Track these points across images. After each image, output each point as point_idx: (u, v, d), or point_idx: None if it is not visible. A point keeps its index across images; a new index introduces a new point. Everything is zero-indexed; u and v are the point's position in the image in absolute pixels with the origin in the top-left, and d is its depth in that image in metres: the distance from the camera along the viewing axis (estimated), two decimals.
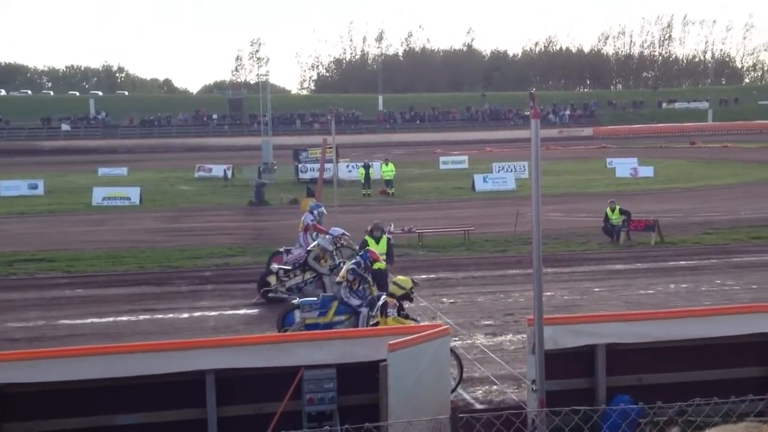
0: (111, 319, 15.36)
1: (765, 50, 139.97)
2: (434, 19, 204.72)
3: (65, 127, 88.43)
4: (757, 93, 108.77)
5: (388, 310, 10.75)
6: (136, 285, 18.49)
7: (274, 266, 16.83)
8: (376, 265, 13.30)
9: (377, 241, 15.79)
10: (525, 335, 10.35)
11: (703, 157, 57.62)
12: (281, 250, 18.32)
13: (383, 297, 11.14)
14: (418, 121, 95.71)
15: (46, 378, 8.16)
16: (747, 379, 9.40)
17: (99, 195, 36.74)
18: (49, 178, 46.41)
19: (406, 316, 11.56)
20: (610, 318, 10.45)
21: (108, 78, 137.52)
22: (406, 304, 12.01)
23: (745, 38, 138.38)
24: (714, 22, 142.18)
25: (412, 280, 11.57)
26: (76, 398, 8.29)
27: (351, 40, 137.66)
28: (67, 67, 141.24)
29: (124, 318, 15.41)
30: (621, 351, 9.44)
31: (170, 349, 8.85)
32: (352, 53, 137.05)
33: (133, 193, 37.11)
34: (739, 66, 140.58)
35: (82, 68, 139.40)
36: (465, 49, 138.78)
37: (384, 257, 15.24)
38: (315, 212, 18.72)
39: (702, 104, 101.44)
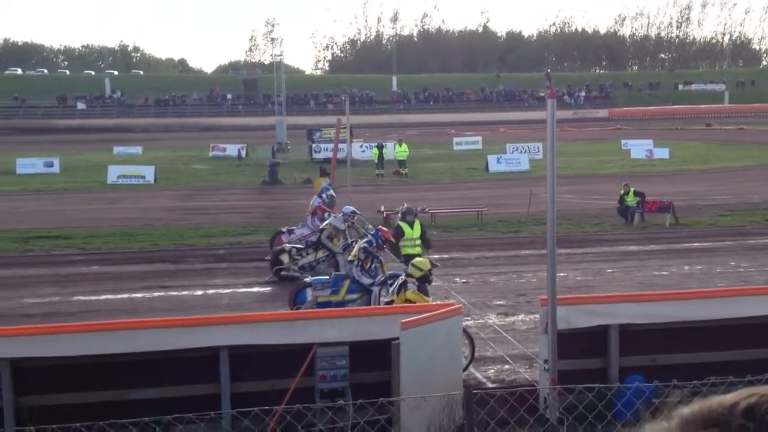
0: (126, 295, 15.48)
1: None
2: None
3: (81, 105, 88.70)
4: None
5: (408, 285, 10.76)
6: (151, 262, 18.60)
7: (287, 245, 16.89)
8: (407, 250, 13.53)
9: (411, 226, 15.11)
10: (537, 315, 10.34)
11: (719, 139, 57.13)
12: (283, 230, 18.41)
13: (402, 276, 11.15)
14: (432, 102, 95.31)
15: (60, 352, 8.26)
16: (762, 360, 9.37)
17: (114, 173, 36.90)
18: (64, 156, 46.63)
19: (426, 293, 11.54)
20: (623, 299, 10.45)
21: (123, 57, 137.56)
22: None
23: (763, 20, 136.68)
24: (734, 4, 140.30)
25: (431, 262, 11.56)
26: (90, 373, 8.39)
27: (366, 21, 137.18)
28: (82, 47, 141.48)
29: (139, 295, 15.53)
30: (634, 332, 9.44)
31: (185, 325, 8.93)
32: (366, 34, 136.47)
33: (148, 172, 37.24)
34: (757, 48, 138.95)
35: (98, 47, 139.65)
36: (480, 29, 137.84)
37: (418, 242, 14.92)
38: (324, 195, 18.77)
39: (718, 86, 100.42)
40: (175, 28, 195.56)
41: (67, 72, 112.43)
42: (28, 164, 42.09)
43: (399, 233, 14.74)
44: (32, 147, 55.11)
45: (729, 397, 1.04)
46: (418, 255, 13.67)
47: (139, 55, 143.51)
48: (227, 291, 15.83)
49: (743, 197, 27.67)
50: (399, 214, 15.83)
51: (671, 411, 1.07)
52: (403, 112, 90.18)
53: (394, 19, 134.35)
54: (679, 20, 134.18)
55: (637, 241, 20.58)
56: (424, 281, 11.10)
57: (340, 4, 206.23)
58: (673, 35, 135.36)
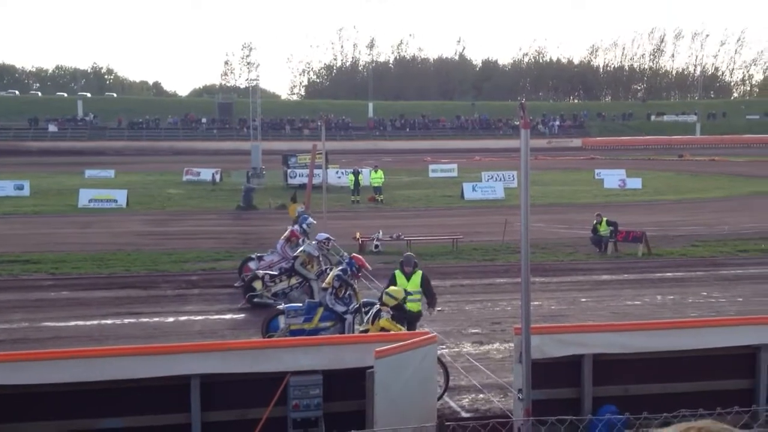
0: (96, 322, 15.24)
1: (754, 65, 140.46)
2: (425, 27, 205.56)
3: (52, 128, 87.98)
4: (745, 107, 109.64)
5: (382, 313, 10.70)
6: (122, 288, 18.36)
7: (260, 272, 16.77)
8: (408, 305, 11.85)
9: (408, 278, 12.68)
10: (512, 344, 10.33)
11: (691, 170, 57.97)
12: (253, 256, 18.30)
13: (377, 305, 11.09)
14: (408, 129, 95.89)
15: (26, 380, 8.07)
16: (733, 391, 9.43)
17: (85, 197, 36.51)
18: (35, 178, 46.12)
19: (402, 322, 11.44)
20: (597, 328, 10.45)
21: (97, 79, 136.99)
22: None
23: (736, 52, 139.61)
24: (706, 36, 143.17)
25: (405, 291, 11.52)
26: (58, 401, 8.20)
27: (342, 47, 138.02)
28: (55, 68, 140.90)
29: (109, 321, 15.29)
30: (608, 361, 9.44)
31: (155, 353, 8.78)
32: (343, 59, 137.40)
33: (120, 196, 36.88)
34: (728, 80, 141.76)
35: (71, 69, 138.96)
36: (456, 57, 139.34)
37: (417, 296, 12.49)
38: (304, 225, 18.70)
39: (690, 117, 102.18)
40: (150, 51, 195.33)
41: (39, 94, 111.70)
42: None
43: (391, 282, 12.60)
44: (2, 169, 54.46)
45: (676, 428, 1.07)
46: (417, 312, 12.30)
47: (112, 77, 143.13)
48: (199, 318, 15.65)
49: (715, 228, 28.03)
50: (414, 265, 12.99)
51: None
52: (379, 139, 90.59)
53: (371, 45, 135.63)
54: (653, 52, 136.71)
55: (611, 270, 20.72)
56: (398, 310, 11.04)
57: (316, 29, 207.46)
58: (646, 66, 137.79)
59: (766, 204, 36.20)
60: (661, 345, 9.57)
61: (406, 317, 11.50)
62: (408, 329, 11.27)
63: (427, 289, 12.63)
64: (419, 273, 12.74)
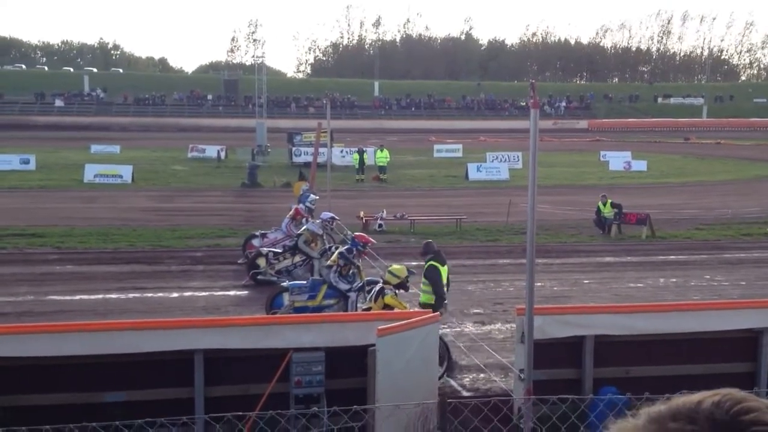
0: (100, 296, 15.33)
1: (762, 48, 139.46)
2: (432, 6, 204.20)
3: (59, 102, 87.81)
4: (753, 90, 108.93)
5: (386, 290, 10.74)
6: (127, 263, 18.44)
7: (264, 249, 16.82)
8: (423, 298, 11.35)
9: (443, 264, 11.79)
10: (514, 325, 10.37)
11: (697, 153, 57.75)
12: (257, 234, 18.34)
13: (379, 283, 11.13)
14: (413, 108, 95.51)
15: (32, 353, 8.15)
16: (734, 374, 9.47)
17: (91, 172, 36.53)
18: (41, 153, 46.14)
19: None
20: (599, 310, 10.50)
21: (103, 55, 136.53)
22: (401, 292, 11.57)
23: (743, 36, 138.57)
24: (714, 19, 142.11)
25: (408, 269, 11.53)
26: (62, 374, 8.28)
27: (348, 25, 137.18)
28: (62, 43, 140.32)
29: (114, 296, 15.38)
30: (609, 343, 9.49)
31: (159, 327, 8.85)
32: (349, 38, 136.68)
33: (126, 171, 36.92)
34: (736, 63, 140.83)
35: (77, 44, 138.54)
36: (462, 37, 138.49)
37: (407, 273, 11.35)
38: (307, 202, 18.73)
39: (697, 100, 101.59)
40: (156, 27, 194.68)
41: (46, 68, 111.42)
42: (4, 161, 41.56)
43: (436, 277, 11.47)
44: (8, 143, 54.45)
45: (694, 396, 1.10)
46: (432, 305, 11.11)
47: (119, 52, 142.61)
48: (203, 294, 15.72)
49: (719, 211, 27.97)
50: (424, 254, 12.24)
51: (638, 411, 1.13)
52: (385, 118, 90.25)
53: (377, 24, 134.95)
54: (660, 34, 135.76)
55: (614, 252, 20.73)
56: (401, 288, 11.07)
57: (323, 7, 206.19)
58: (654, 48, 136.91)
59: None
60: (662, 327, 9.61)
61: (400, 283, 10.94)
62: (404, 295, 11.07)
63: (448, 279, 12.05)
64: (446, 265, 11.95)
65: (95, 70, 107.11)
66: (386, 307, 10.46)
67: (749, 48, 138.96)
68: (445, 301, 11.69)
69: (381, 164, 38.99)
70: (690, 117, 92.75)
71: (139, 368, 8.44)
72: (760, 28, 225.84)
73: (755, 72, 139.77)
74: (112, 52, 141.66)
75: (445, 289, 11.67)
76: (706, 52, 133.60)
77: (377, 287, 11.09)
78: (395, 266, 11.51)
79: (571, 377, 9.45)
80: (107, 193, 32.06)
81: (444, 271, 11.72)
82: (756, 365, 9.74)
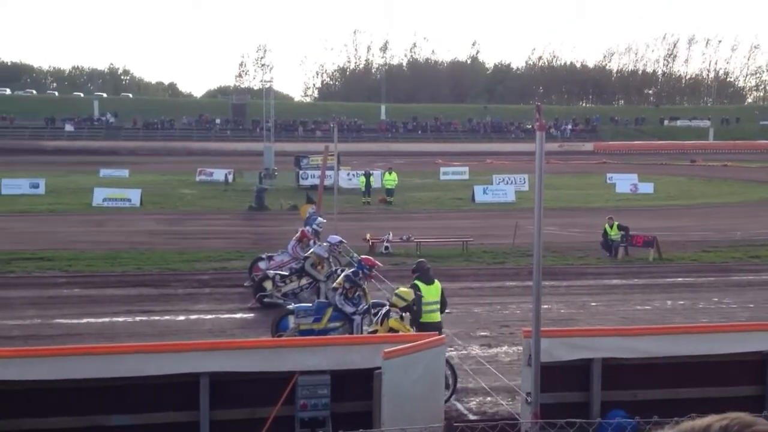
0: (107, 319, 15.35)
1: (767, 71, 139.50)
2: (439, 30, 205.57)
3: (69, 127, 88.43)
4: (759, 113, 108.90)
5: (391, 313, 10.71)
6: (134, 286, 18.48)
7: (270, 272, 16.83)
8: (428, 317, 11.31)
9: (429, 282, 12.04)
10: (521, 347, 10.33)
11: (704, 176, 57.65)
12: (263, 256, 18.35)
13: (386, 306, 11.11)
14: (420, 132, 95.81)
15: (38, 376, 8.15)
16: (743, 398, 9.39)
17: (100, 196, 36.73)
18: (50, 177, 46.42)
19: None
20: (607, 332, 10.45)
21: (113, 80, 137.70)
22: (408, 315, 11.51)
23: (748, 58, 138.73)
24: (719, 42, 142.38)
25: (415, 293, 11.50)
26: (69, 397, 8.28)
27: (356, 49, 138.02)
28: (72, 68, 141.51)
29: (121, 319, 15.40)
30: (617, 366, 9.43)
31: (165, 350, 8.85)
32: (356, 62, 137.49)
33: (134, 195, 37.10)
34: (742, 86, 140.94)
35: (88, 69, 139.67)
36: (469, 61, 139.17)
37: (436, 306, 11.87)
38: (314, 225, 18.76)
39: (703, 122, 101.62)
40: (166, 52, 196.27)
41: (56, 93, 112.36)
42: (14, 185, 41.82)
43: (419, 300, 11.63)
44: (19, 167, 54.85)
45: (704, 421, 1.10)
46: (437, 323, 11.54)
47: (128, 78, 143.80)
48: (210, 317, 15.72)
49: (727, 233, 27.88)
50: (413, 271, 12.50)
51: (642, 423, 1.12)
52: (391, 141, 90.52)
53: (384, 48, 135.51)
54: (666, 57, 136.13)
55: (621, 275, 20.66)
56: (407, 312, 11.04)
57: (330, 32, 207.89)
58: (660, 71, 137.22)
59: None
60: (670, 350, 9.55)
61: (407, 306, 11.08)
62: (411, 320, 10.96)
63: (443, 297, 12.16)
64: (438, 283, 12.20)
65: (105, 95, 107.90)
66: (391, 330, 10.43)
67: (755, 71, 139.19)
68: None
69: (389, 187, 39.08)
70: (696, 139, 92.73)
71: (145, 391, 8.43)
72: (765, 50, 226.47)
73: (761, 94, 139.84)
74: (122, 77, 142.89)
75: (439, 306, 11.81)
76: (712, 75, 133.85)
77: (383, 310, 11.07)
78: (402, 289, 11.48)
79: (578, 400, 9.39)
80: (116, 217, 32.19)
81: (431, 289, 11.87)
82: (765, 388, 9.67)
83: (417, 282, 11.93)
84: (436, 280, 12.16)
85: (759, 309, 16.68)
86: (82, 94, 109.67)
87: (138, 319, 15.44)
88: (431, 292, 11.88)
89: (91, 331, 14.45)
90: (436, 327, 11.33)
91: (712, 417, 1.10)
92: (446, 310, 12.61)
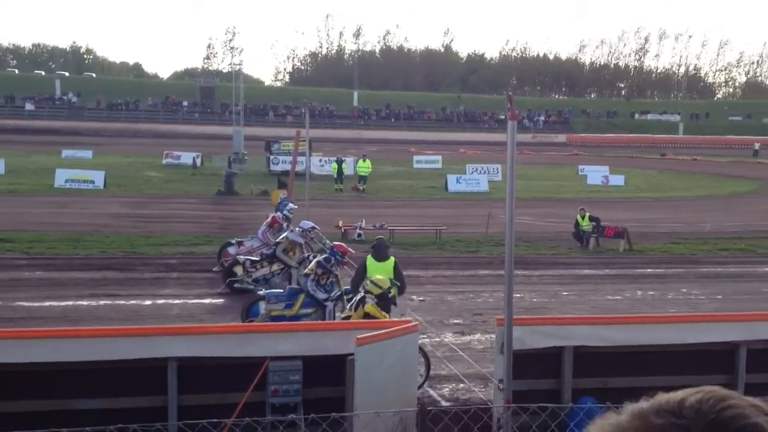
0: (71, 303, 15.02)
1: (737, 66, 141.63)
2: (412, 18, 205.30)
3: (29, 106, 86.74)
4: (728, 108, 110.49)
5: (367, 299, 10.61)
6: (98, 270, 18.12)
7: (241, 257, 16.62)
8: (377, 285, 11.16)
9: (380, 259, 12.46)
10: (493, 335, 10.29)
11: (673, 169, 58.34)
12: (233, 241, 18.13)
13: (361, 293, 11.00)
14: (393, 119, 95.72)
15: (1, 359, 7.92)
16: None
17: (62, 177, 36.00)
18: (10, 157, 45.42)
19: (387, 311, 11.31)
20: (578, 321, 10.47)
21: (75, 59, 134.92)
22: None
23: (718, 54, 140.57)
24: (690, 37, 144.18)
25: (390, 280, 11.42)
26: (33, 381, 8.06)
27: (328, 35, 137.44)
28: (33, 46, 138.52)
29: (85, 303, 15.08)
30: (587, 354, 9.44)
31: (133, 334, 8.65)
32: (328, 47, 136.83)
33: (98, 177, 36.40)
34: (711, 81, 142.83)
35: (49, 47, 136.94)
36: (442, 49, 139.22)
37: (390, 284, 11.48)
38: (285, 211, 18.56)
39: (674, 117, 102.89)
40: (131, 32, 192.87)
41: (16, 71, 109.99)
42: None
43: (360, 270, 12.37)
44: None
45: (678, 394, 1.10)
46: (393, 296, 11.38)
47: (92, 57, 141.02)
48: (178, 302, 15.47)
49: (696, 226, 28.19)
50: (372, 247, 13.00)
51: (615, 408, 1.13)
52: (364, 128, 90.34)
53: (357, 34, 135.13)
54: (638, 51, 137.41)
55: (592, 265, 20.77)
56: (382, 299, 10.94)
57: (302, 16, 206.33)
58: (631, 65, 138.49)
59: (747, 204, 36.50)
60: (640, 339, 9.59)
61: (390, 306, 11.28)
62: (383, 305, 11.00)
63: (398, 275, 12.31)
64: (392, 260, 12.61)
65: (67, 74, 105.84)
66: (367, 316, 10.33)
67: (725, 67, 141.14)
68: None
69: (362, 174, 38.94)
70: (667, 133, 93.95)
71: (112, 376, 8.24)
72: (734, 47, 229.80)
73: (731, 90, 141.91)
74: (85, 56, 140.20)
75: (389, 282, 11.58)
76: (682, 70, 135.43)
77: (358, 296, 10.96)
78: (378, 276, 11.38)
79: (549, 387, 9.40)
80: (78, 199, 31.60)
81: (382, 265, 12.24)
82: (733, 378, 9.75)
83: (368, 257, 12.46)
84: (391, 258, 12.58)
85: (727, 300, 16.86)
86: (43, 73, 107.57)
87: (103, 303, 15.13)
88: (380, 269, 12.15)
89: (54, 314, 14.13)
90: (390, 296, 11.27)
91: (686, 390, 1.10)
92: (404, 291, 12.62)
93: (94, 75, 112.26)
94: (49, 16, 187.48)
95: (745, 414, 1.04)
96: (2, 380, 7.98)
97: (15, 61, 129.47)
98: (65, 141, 60.97)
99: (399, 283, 12.08)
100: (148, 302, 15.31)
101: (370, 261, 12.46)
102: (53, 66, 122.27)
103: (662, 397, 1.10)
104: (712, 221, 29.19)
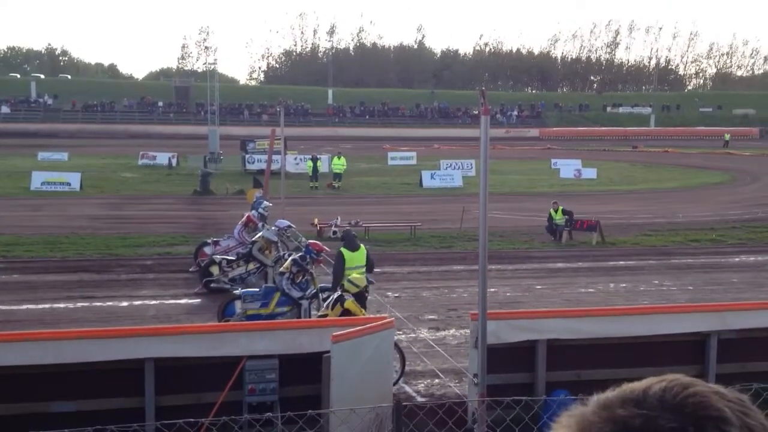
0: (48, 305, 14.97)
1: (707, 58, 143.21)
2: (385, 15, 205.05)
3: (5, 109, 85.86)
4: (699, 100, 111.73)
5: (345, 296, 10.72)
6: (75, 272, 18.05)
7: (217, 256, 16.64)
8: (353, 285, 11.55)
9: (353, 249, 13.28)
10: (468, 330, 10.43)
11: (645, 161, 58.92)
12: (209, 241, 18.13)
13: (338, 291, 11.11)
14: (367, 116, 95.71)
15: None
16: None
17: (38, 179, 35.72)
18: None
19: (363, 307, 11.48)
20: (551, 314, 10.62)
21: (50, 61, 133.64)
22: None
23: (688, 46, 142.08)
24: (660, 29, 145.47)
25: (367, 279, 11.53)
26: (9, 384, 8.07)
27: (302, 33, 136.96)
28: (8, 48, 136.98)
29: (62, 305, 15.03)
30: (561, 347, 9.61)
31: (109, 336, 8.68)
32: (302, 45, 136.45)
33: (74, 179, 36.16)
34: (682, 73, 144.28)
35: (24, 50, 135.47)
36: (416, 46, 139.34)
37: (363, 271, 12.77)
38: (260, 209, 18.58)
39: (645, 109, 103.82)
40: (105, 33, 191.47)
41: None
42: None
43: (340, 261, 12.97)
44: None
45: (642, 383, 1.10)
46: (366, 285, 11.98)
47: (66, 58, 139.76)
48: (154, 302, 15.47)
49: (667, 218, 28.57)
50: (341, 239, 13.98)
51: (585, 400, 1.13)
52: (339, 125, 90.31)
53: (331, 32, 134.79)
54: (609, 44, 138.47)
55: (565, 258, 21.00)
56: (359, 297, 11.07)
57: (276, 14, 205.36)
58: (603, 58, 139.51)
59: (717, 195, 37.02)
60: (612, 331, 9.77)
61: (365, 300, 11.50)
62: (359, 302, 11.30)
63: (370, 260, 13.33)
64: (363, 247, 13.52)
65: (42, 76, 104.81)
66: (347, 312, 10.45)
67: (695, 58, 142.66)
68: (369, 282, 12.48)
69: (337, 171, 38.96)
70: (638, 126, 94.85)
71: (89, 377, 8.27)
72: (704, 38, 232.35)
73: (701, 82, 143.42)
74: (60, 58, 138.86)
75: (364, 269, 12.89)
76: (653, 62, 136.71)
77: (336, 295, 11.06)
78: (355, 275, 11.49)
79: (524, 381, 9.55)
80: (55, 201, 31.37)
81: (357, 255, 13.05)
82: (704, 368, 9.96)
83: (342, 249, 13.15)
84: (361, 245, 13.49)
85: (698, 291, 17.15)
86: (18, 75, 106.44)
87: (80, 305, 15.10)
88: (357, 258, 13.01)
89: (31, 317, 14.08)
90: (364, 288, 11.90)
91: (651, 379, 1.11)
92: (374, 270, 13.73)
93: (69, 77, 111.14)
94: (24, 18, 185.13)
95: (708, 401, 1.05)
96: None
97: None
98: (41, 143, 60.36)
99: (371, 276, 13.00)
100: (125, 303, 15.30)
101: (345, 252, 13.08)
102: (28, 68, 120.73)
103: (627, 387, 1.11)
104: (684, 212, 29.62)
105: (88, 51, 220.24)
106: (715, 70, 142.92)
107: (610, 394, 1.11)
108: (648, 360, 9.65)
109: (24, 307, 14.87)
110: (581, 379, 9.57)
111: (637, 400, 1.07)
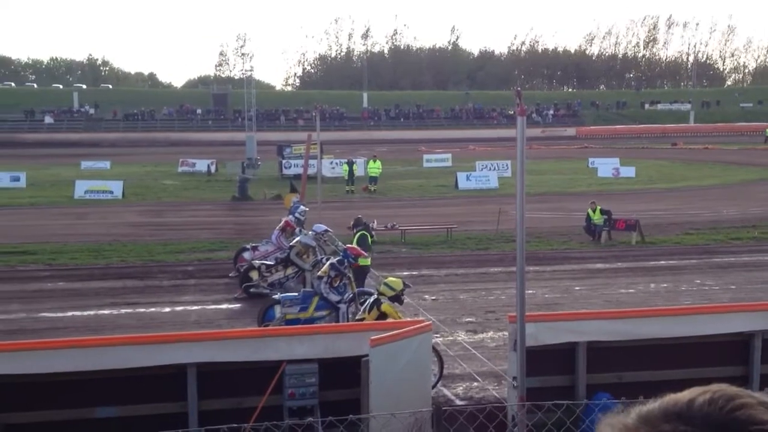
0: (92, 312, 15.29)
1: (745, 52, 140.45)
2: (420, 17, 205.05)
3: (48, 119, 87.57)
4: (739, 95, 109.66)
5: (382, 299, 10.78)
6: (118, 278, 18.40)
7: (256, 261, 16.83)
8: (360, 261, 12.89)
9: (371, 234, 16.26)
10: (506, 332, 10.40)
11: (684, 159, 58.02)
12: (248, 246, 18.31)
13: (374, 295, 11.17)
14: (402, 119, 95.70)
15: (25, 370, 8.12)
16: (726, 378, 9.48)
17: (81, 188, 36.45)
18: (31, 170, 45.95)
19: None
20: (591, 316, 10.54)
21: (92, 71, 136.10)
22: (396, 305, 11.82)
23: (726, 41, 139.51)
24: (697, 24, 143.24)
25: (404, 282, 11.60)
26: (55, 391, 8.26)
27: (337, 37, 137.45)
28: (51, 60, 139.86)
29: (106, 311, 15.34)
30: (601, 349, 9.52)
31: (152, 342, 8.85)
32: (337, 50, 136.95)
33: (116, 187, 36.83)
34: (721, 68, 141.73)
35: (67, 61, 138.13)
36: (450, 47, 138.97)
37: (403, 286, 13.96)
38: (297, 213, 18.74)
39: (684, 106, 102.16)
40: (145, 42, 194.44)
41: (35, 85, 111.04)
42: None
43: (361, 242, 15.31)
44: None
45: (686, 394, 1.07)
46: (366, 265, 14.44)
47: (107, 68, 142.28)
48: (196, 308, 15.70)
49: (708, 216, 28.12)
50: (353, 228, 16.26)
51: (626, 410, 1.10)
52: (374, 129, 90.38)
53: (365, 35, 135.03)
54: (646, 40, 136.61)
55: (604, 258, 20.80)
56: (395, 301, 11.12)
57: (311, 20, 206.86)
58: (640, 55, 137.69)
59: (759, 192, 36.32)
60: (654, 332, 9.65)
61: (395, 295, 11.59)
62: (356, 281, 12.35)
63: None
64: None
65: (84, 86, 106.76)
66: (383, 315, 10.50)
67: (733, 53, 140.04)
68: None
69: (373, 175, 39.03)
70: (677, 123, 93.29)
71: (132, 383, 8.43)
72: (741, 32, 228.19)
73: (741, 76, 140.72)
74: (101, 68, 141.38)
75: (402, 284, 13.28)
76: (691, 58, 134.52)
77: (372, 298, 11.12)
78: (391, 278, 11.54)
79: (564, 384, 9.48)
80: (98, 209, 31.96)
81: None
82: (748, 369, 9.80)
83: (365, 233, 15.17)
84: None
85: (740, 290, 16.87)
86: (61, 86, 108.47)
87: (123, 311, 15.39)
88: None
89: (76, 324, 14.39)
90: (400, 292, 11.59)
91: (695, 389, 1.08)
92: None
93: (110, 86, 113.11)
94: (66, 29, 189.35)
95: (756, 415, 1.02)
96: (24, 391, 8.19)
97: (34, 76, 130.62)
98: (84, 153, 61.48)
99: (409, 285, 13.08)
100: (167, 309, 15.55)
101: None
102: (71, 79, 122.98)
103: (670, 399, 1.07)
104: (726, 208, 29.12)
105: (128, 60, 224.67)
106: (754, 65, 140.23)
107: (652, 406, 1.07)
108: (690, 361, 9.54)
109: (69, 314, 15.20)
110: (623, 381, 9.48)
111: (681, 413, 1.04)
